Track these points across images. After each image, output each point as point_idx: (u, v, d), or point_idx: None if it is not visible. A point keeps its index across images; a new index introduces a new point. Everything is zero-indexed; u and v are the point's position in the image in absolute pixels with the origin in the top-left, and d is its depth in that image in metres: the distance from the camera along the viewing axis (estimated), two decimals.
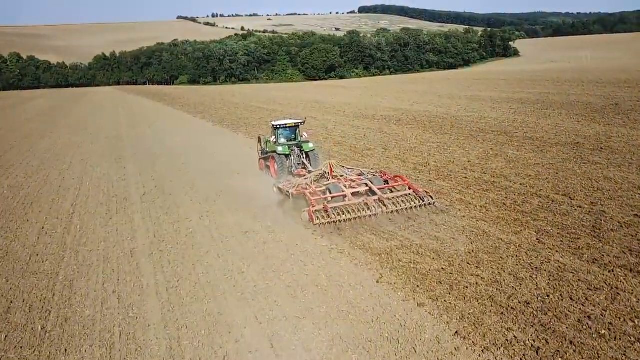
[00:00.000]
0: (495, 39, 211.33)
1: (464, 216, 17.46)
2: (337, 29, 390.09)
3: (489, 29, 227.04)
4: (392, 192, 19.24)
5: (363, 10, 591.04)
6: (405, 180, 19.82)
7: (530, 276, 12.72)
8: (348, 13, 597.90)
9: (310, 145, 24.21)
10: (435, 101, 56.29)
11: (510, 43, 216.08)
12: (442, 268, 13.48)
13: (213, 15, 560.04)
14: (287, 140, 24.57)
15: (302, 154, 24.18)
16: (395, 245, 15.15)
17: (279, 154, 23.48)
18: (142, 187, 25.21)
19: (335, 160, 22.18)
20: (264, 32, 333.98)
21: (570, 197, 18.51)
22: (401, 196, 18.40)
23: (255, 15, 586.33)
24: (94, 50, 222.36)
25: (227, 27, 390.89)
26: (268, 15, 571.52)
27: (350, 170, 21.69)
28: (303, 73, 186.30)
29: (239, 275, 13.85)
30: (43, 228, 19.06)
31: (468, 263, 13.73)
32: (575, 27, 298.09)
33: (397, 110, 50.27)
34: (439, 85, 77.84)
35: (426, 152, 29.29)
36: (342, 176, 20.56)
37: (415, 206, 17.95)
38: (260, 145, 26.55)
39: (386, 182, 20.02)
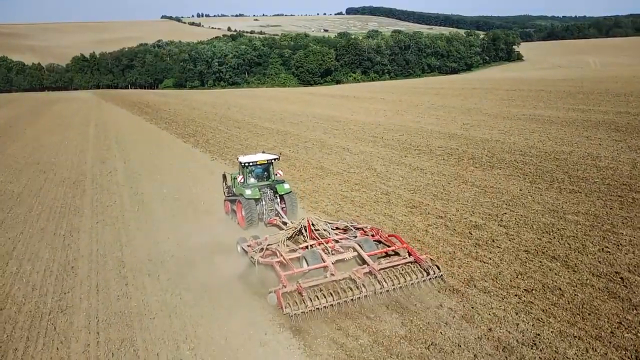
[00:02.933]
0: (498, 42, 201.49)
1: None
2: (326, 30, 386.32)
3: (491, 32, 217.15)
4: (387, 257, 16.46)
5: (351, 11, 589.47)
6: (403, 243, 16.28)
7: None
8: (336, 14, 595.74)
9: (286, 186, 20.74)
10: (490, 123, 44.64)
11: (514, 47, 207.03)
12: None
13: (198, 15, 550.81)
14: (258, 180, 21.31)
15: (276, 198, 20.82)
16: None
17: (246, 198, 20.05)
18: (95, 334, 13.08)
19: (315, 214, 19.16)
20: (252, 32, 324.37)
21: None
22: (399, 266, 15.04)
23: (241, 15, 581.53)
24: (72, 50, 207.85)
25: (213, 27, 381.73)
26: (255, 15, 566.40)
27: (332, 225, 17.96)
28: (297, 77, 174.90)
29: None
30: None
31: None
32: (569, 30, 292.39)
33: (452, 138, 38.52)
34: (475, 99, 66.28)
35: (577, 232, 17.41)
36: (323, 235, 17.09)
37: (418, 281, 14.44)
38: (226, 183, 22.67)
39: (378, 242, 16.96)
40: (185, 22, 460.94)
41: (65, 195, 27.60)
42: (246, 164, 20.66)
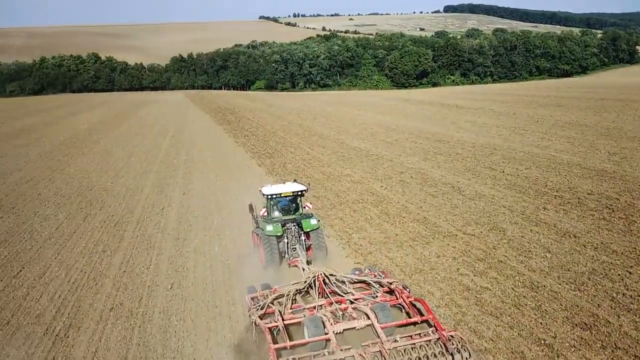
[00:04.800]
0: (619, 42, 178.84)
1: None
2: (422, 29, 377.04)
3: (610, 31, 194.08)
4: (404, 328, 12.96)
5: (449, 9, 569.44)
6: (430, 312, 12.85)
7: None
8: (433, 12, 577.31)
9: (313, 222, 18.44)
10: None
11: (637, 47, 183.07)
12: None
13: (294, 15, 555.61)
14: (283, 214, 19.11)
15: (301, 235, 18.23)
16: None
17: (267, 235, 17.77)
18: None
19: (332, 268, 14.76)
20: (346, 32, 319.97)
21: None
22: (419, 344, 11.71)
23: (336, 15, 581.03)
24: (172, 50, 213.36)
25: (307, 27, 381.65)
26: (350, 15, 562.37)
27: (350, 280, 14.71)
28: (391, 79, 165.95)
29: None
30: None
31: None
32: None
33: (602, 177, 28.55)
34: (611, 114, 54.26)
35: None
36: (342, 290, 14.15)
37: None
38: (253, 214, 20.02)
39: (401, 308, 13.63)
40: (281, 23, 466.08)
41: (92, 252, 21.61)
42: (270, 196, 18.87)
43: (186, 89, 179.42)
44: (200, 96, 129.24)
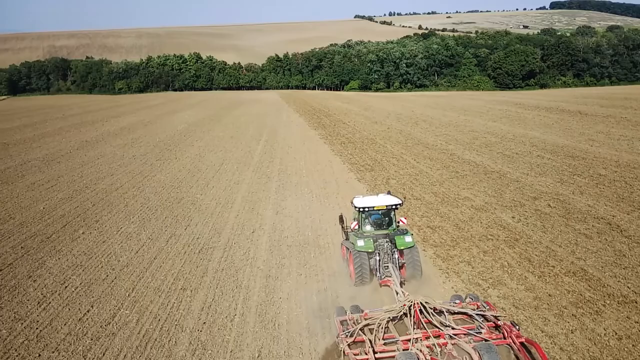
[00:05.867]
0: None
1: None
2: (526, 27, 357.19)
3: None
4: None
5: (555, 5, 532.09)
6: (545, 359, 10.78)
7: None
8: (537, 9, 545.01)
9: (407, 239, 16.89)
10: None
11: None
12: None
13: (390, 14, 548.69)
14: (375, 228, 17.86)
15: (395, 252, 16.87)
16: None
17: (358, 250, 16.63)
18: None
19: (430, 297, 13.15)
20: (443, 30, 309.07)
21: None
22: None
23: (433, 13, 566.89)
24: (269, 49, 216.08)
25: (403, 26, 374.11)
26: (447, 12, 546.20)
27: (449, 310, 13.01)
28: (494, 80, 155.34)
29: None
30: None
31: None
32: None
33: None
34: None
35: None
36: (429, 323, 12.61)
37: None
38: (343, 225, 19.33)
39: (510, 349, 11.68)
40: (376, 21, 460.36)
41: (171, 288, 18.32)
42: (362, 209, 17.63)
43: (281, 88, 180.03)
44: (294, 96, 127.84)
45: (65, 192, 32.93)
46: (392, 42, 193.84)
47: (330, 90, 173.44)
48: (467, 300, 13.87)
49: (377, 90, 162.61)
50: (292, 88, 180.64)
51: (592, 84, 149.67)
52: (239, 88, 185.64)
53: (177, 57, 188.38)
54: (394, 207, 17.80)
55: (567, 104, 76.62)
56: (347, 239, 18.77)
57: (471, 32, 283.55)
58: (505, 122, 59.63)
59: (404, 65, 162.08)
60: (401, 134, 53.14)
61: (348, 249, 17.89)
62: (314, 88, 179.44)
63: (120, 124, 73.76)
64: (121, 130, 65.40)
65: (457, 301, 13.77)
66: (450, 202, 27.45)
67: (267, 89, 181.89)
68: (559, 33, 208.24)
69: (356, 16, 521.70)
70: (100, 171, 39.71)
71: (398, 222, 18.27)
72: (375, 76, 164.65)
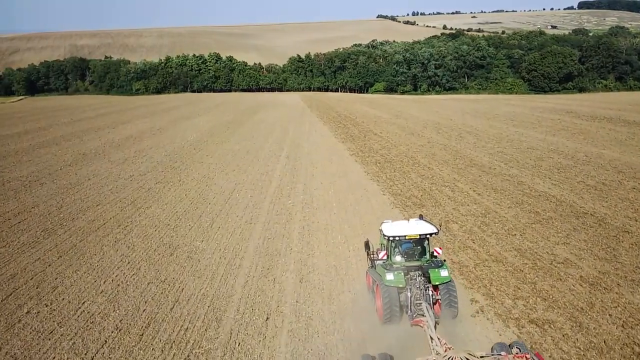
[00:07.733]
0: None
1: None
2: (554, 27, 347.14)
3: None
4: None
5: (584, 5, 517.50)
6: None
7: None
8: (565, 9, 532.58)
9: (444, 273, 15.03)
10: None
11: None
12: None
13: (413, 14, 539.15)
14: (406, 259, 16.11)
15: (428, 288, 15.11)
16: None
17: (386, 285, 14.92)
18: None
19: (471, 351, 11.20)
20: (469, 30, 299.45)
21: None
22: None
23: (457, 12, 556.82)
24: (291, 49, 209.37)
25: (427, 26, 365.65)
26: (472, 12, 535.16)
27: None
28: (528, 82, 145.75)
29: None
30: None
31: None
32: None
33: None
34: None
35: None
36: None
37: None
38: (369, 251, 17.62)
39: None
40: (400, 21, 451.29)
41: None
42: (391, 238, 15.50)
43: (302, 90, 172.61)
44: (316, 99, 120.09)
45: (30, 234, 25.77)
46: (419, 42, 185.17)
47: (354, 92, 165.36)
48: (514, 350, 12.18)
49: (403, 92, 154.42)
50: (314, 90, 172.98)
51: (635, 88, 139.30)
52: (259, 89, 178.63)
53: (197, 57, 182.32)
54: (427, 236, 15.92)
55: (628, 113, 67.45)
56: (372, 266, 17.06)
57: (498, 32, 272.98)
58: (566, 136, 51.04)
59: (433, 66, 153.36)
60: (446, 151, 45.07)
61: (374, 280, 16.13)
62: (336, 90, 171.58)
63: (128, 131, 67.14)
64: (126, 140, 58.62)
65: (503, 353, 11.93)
66: (545, 269, 19.48)
67: (288, 90, 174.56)
68: (591, 33, 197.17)
69: (379, 16, 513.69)
70: (86, 199, 32.58)
71: (432, 252, 16.32)
72: (402, 78, 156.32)
